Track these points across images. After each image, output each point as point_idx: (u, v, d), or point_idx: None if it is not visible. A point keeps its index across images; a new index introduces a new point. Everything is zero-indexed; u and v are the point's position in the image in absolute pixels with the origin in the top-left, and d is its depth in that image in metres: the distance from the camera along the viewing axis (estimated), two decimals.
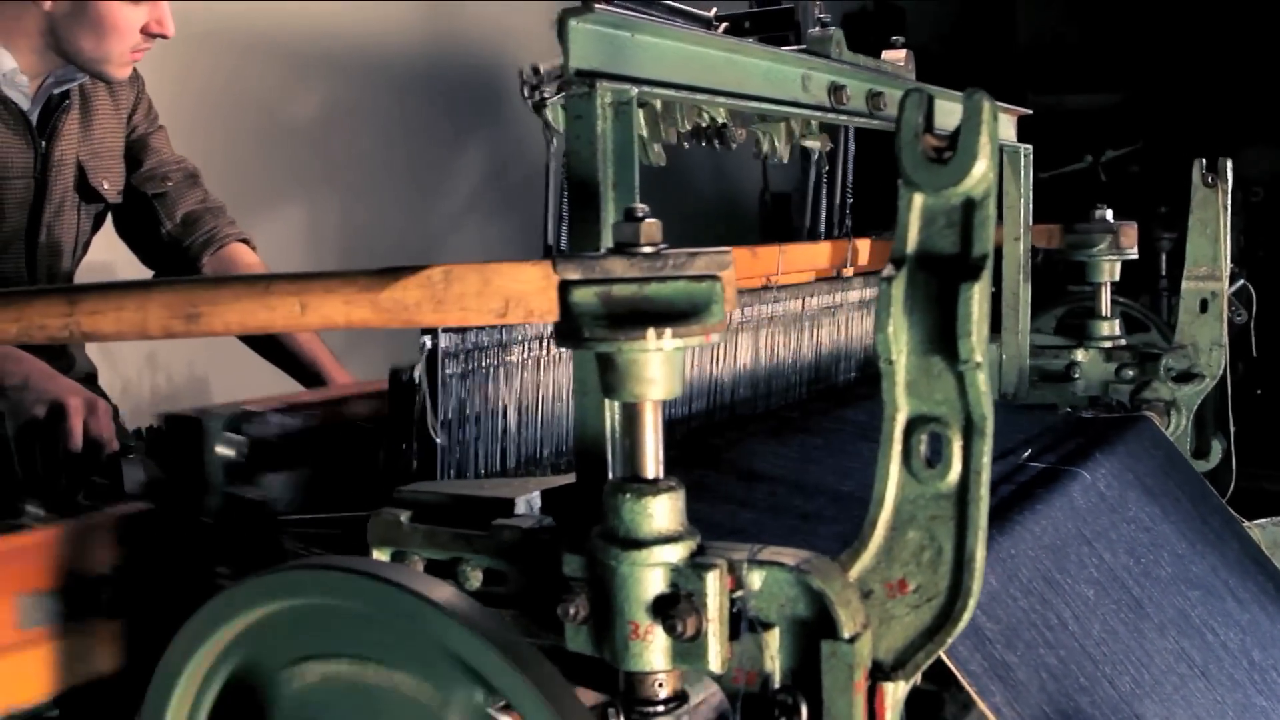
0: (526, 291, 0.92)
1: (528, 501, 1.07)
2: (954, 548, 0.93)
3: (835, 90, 1.49)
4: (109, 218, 2.16)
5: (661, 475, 0.95)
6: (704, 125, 1.64)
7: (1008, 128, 2.07)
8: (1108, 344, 2.16)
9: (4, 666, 1.14)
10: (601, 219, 1.08)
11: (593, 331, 0.90)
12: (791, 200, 4.95)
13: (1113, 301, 2.88)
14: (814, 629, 0.93)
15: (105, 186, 2.07)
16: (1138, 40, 5.37)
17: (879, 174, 2.12)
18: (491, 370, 1.31)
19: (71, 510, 1.25)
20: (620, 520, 0.93)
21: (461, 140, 3.71)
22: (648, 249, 0.92)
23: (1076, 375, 2.15)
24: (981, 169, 0.86)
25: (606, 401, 1.08)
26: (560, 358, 1.39)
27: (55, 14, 1.85)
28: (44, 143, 1.97)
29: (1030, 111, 2.08)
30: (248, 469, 1.32)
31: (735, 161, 4.77)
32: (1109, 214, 2.19)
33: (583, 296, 0.91)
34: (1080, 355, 2.16)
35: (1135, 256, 2.22)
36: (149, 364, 2.72)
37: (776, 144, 1.77)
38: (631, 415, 0.94)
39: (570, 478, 1.13)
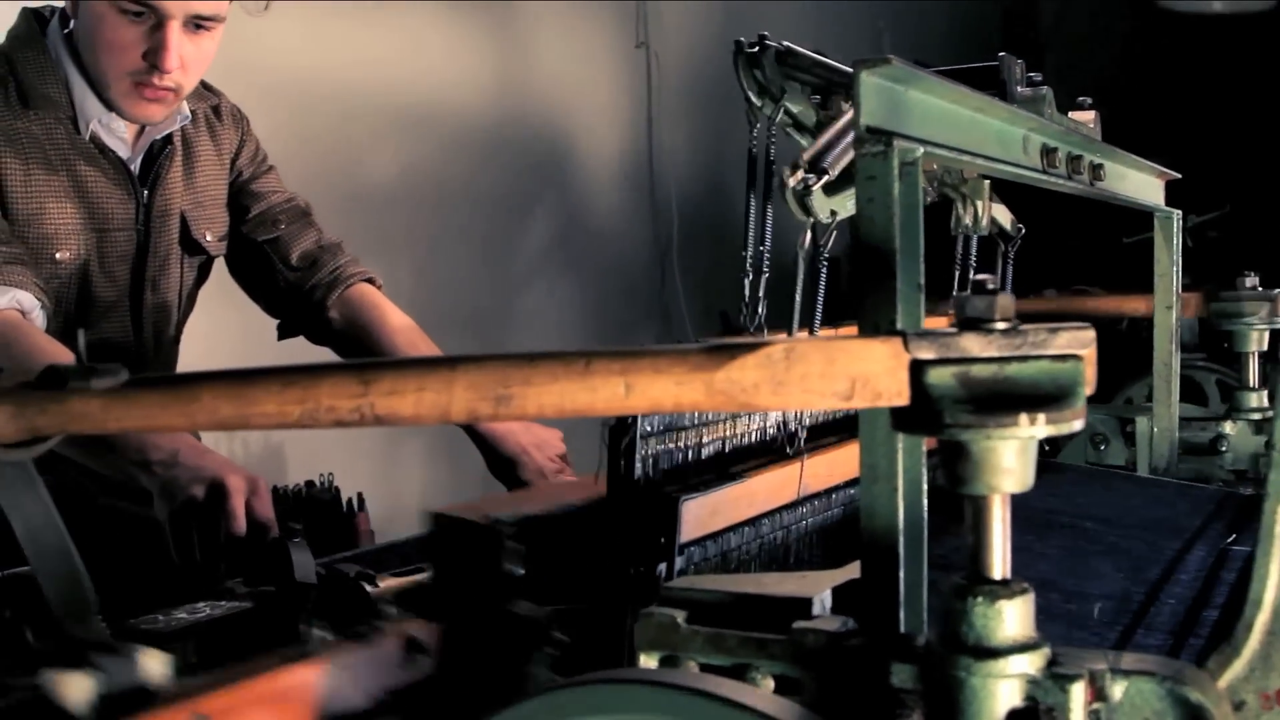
0: (874, 371, 0.82)
1: (821, 600, 0.97)
2: None
3: (1048, 153, 1.42)
4: (219, 268, 2.04)
5: (1009, 575, 0.85)
6: None
7: (1156, 191, 2.00)
8: (1257, 416, 2.07)
9: None
10: (897, 288, 0.99)
11: (955, 417, 0.81)
12: (840, 264, 4.88)
13: (1209, 369, 2.80)
14: None
15: (208, 238, 1.95)
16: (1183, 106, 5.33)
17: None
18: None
19: (355, 631, 1.11)
20: (970, 626, 0.83)
21: (528, 204, 3.65)
22: (1002, 325, 0.83)
23: (1224, 448, 2.06)
24: None
25: (900, 491, 0.99)
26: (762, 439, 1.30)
27: (75, 26, 1.74)
28: (146, 192, 1.85)
29: (1180, 175, 2.01)
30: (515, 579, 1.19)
31: (783, 223, 4.71)
32: (1256, 280, 2.11)
33: (939, 378, 0.82)
34: (1229, 428, 2.07)
35: None
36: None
37: (979, 213, 1.67)
38: (980, 509, 0.85)
39: (847, 572, 1.03)
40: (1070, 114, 1.62)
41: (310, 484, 2.70)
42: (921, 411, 0.82)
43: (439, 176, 3.33)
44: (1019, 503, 1.84)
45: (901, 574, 1.00)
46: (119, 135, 1.80)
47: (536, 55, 3.63)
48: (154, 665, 0.93)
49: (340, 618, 1.15)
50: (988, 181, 1.71)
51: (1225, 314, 2.13)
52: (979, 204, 1.72)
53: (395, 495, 2.97)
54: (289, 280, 2.00)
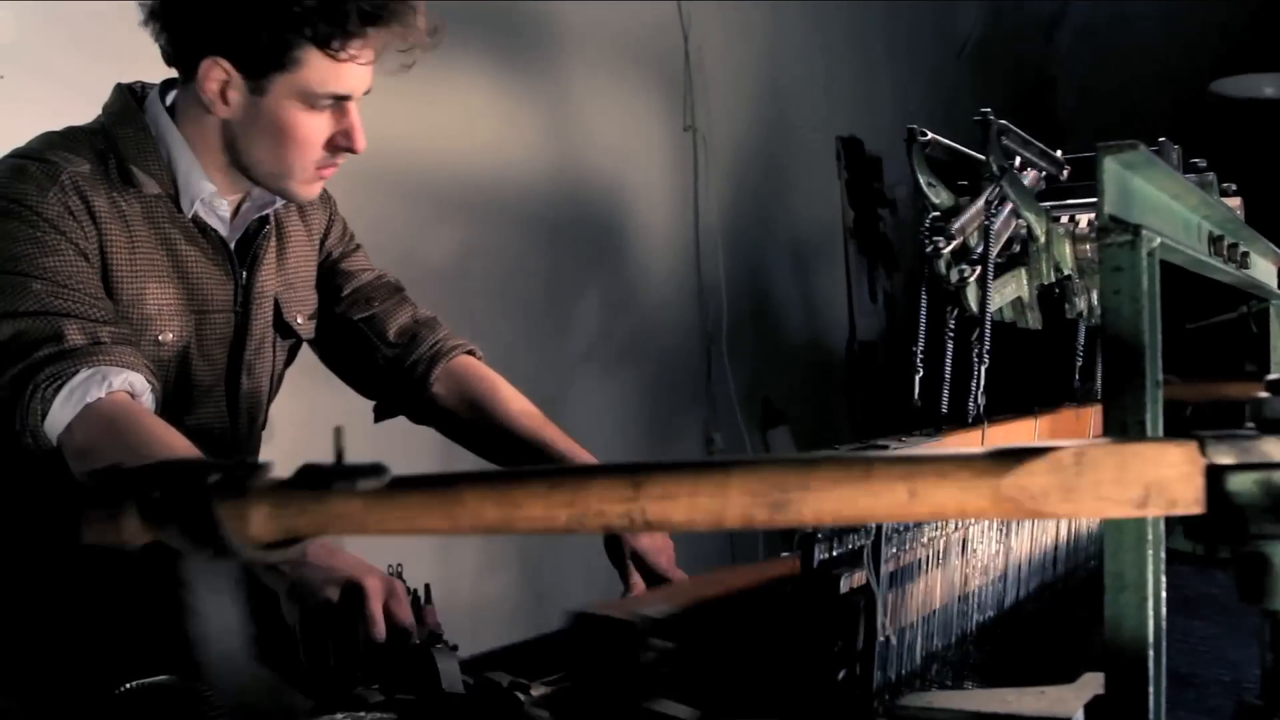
0: (1169, 477, 0.76)
1: None
2: None
3: (1214, 240, 1.37)
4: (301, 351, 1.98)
5: None
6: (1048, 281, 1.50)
7: (1271, 276, 1.96)
8: None
9: None
10: (1145, 386, 0.93)
11: (1260, 527, 0.75)
12: (878, 349, 4.85)
13: None
14: None
15: (299, 320, 1.88)
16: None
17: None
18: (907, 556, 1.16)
19: None
20: None
21: (580, 287, 3.61)
22: None
23: None
24: None
25: (1150, 602, 0.93)
26: (952, 543, 1.24)
27: (232, 122, 1.67)
28: (244, 274, 1.79)
29: None
30: (660, 677, 1.12)
31: (823, 309, 4.69)
32: None
33: (1241, 485, 0.76)
34: None
35: None
36: None
37: (1093, 300, 1.63)
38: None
39: (1089, 686, 0.97)
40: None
41: None
42: (1221, 521, 0.76)
43: (492, 257, 3.30)
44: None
45: (1151, 690, 0.93)
46: (220, 215, 1.73)
47: (588, 137, 3.61)
48: None
49: None
50: None
51: None
52: (1092, 289, 1.68)
53: (452, 584, 2.90)
54: (387, 358, 1.93)
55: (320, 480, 0.75)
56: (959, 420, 1.34)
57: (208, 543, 0.75)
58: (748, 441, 4.06)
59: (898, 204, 5.05)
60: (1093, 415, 1.80)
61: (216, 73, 1.61)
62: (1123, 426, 0.94)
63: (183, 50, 1.64)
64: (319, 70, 1.61)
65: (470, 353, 1.97)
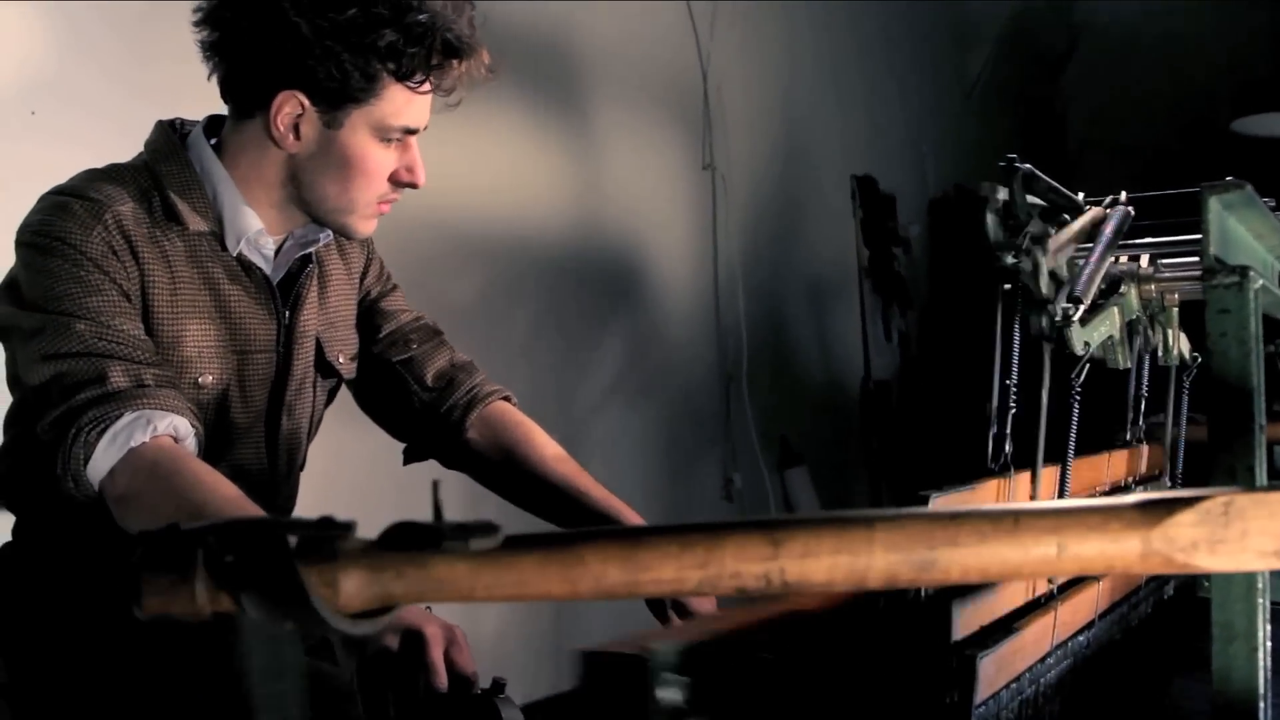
0: None
1: None
2: None
3: None
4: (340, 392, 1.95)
5: None
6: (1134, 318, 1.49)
7: None
8: None
9: None
10: (1254, 428, 0.92)
11: None
12: (892, 388, 4.84)
13: None
14: None
15: (341, 360, 1.84)
16: None
17: None
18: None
19: None
20: None
21: (601, 325, 3.60)
22: None
23: None
24: None
25: (1260, 652, 0.91)
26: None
27: (300, 156, 1.63)
28: (287, 313, 1.74)
29: None
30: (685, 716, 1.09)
31: (839, 348, 4.68)
32: None
33: None
34: None
35: None
36: None
37: (1169, 340, 1.61)
38: None
39: None
40: None
41: None
42: None
43: (512, 296, 3.28)
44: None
45: None
46: (265, 253, 1.70)
47: (609, 176, 3.61)
48: None
49: None
50: (1178, 309, 1.65)
51: None
52: (1170, 331, 1.66)
53: (476, 628, 2.87)
54: (424, 401, 1.89)
55: (424, 540, 0.69)
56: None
57: (291, 612, 0.68)
58: (768, 482, 4.04)
59: (911, 243, 5.06)
60: (1107, 460, 1.75)
61: (291, 106, 1.58)
62: (1231, 472, 0.92)
63: (253, 84, 1.60)
64: (395, 103, 1.59)
65: (506, 399, 1.94)
